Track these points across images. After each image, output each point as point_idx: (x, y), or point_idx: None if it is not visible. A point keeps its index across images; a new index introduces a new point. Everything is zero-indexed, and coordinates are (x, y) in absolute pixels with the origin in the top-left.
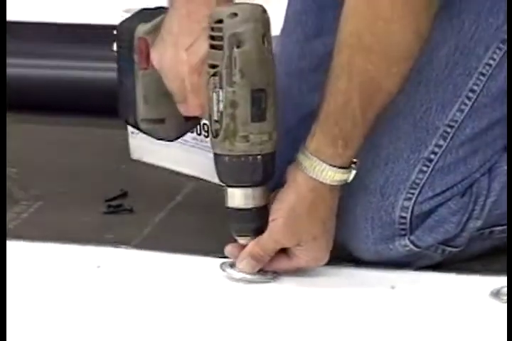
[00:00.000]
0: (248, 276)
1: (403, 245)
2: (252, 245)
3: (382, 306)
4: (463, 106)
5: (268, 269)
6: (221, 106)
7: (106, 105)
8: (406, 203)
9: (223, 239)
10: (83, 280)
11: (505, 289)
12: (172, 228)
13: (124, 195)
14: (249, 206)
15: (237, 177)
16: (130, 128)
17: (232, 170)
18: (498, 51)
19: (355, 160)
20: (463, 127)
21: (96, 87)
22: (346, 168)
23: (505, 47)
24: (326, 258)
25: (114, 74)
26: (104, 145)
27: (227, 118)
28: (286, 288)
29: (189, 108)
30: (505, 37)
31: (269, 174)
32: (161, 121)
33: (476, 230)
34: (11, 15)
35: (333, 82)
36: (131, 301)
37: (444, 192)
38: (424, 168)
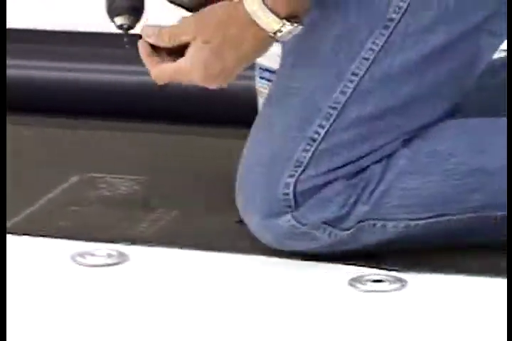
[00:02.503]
0: None
1: (286, 220)
2: (165, 29)
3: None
4: (345, 89)
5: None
6: None
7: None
8: (288, 180)
9: None
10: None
11: None
12: None
13: None
14: None
15: None
16: None
17: None
18: (380, 37)
19: (297, 20)
20: (347, 110)
21: None
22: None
23: (387, 33)
24: (201, 81)
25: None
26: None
27: None
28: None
29: None
30: (388, 23)
31: None
32: None
33: (365, 218)
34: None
35: None
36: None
37: (328, 172)
38: (308, 147)
